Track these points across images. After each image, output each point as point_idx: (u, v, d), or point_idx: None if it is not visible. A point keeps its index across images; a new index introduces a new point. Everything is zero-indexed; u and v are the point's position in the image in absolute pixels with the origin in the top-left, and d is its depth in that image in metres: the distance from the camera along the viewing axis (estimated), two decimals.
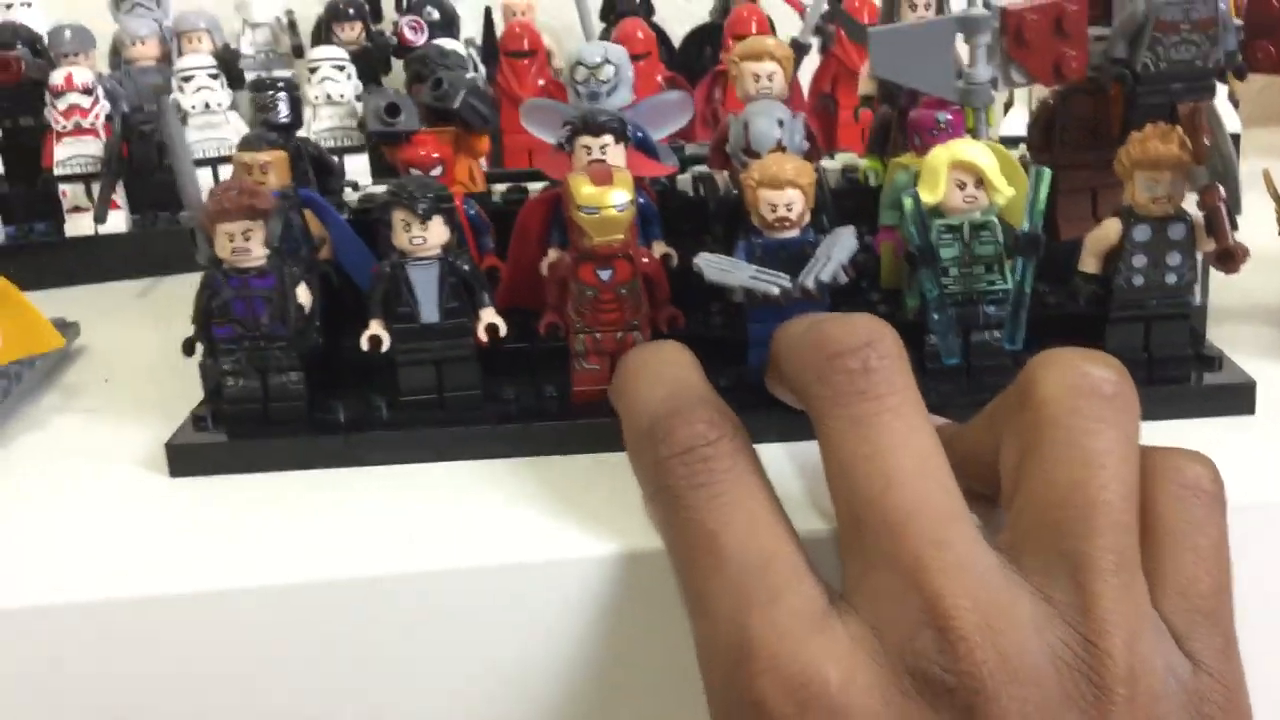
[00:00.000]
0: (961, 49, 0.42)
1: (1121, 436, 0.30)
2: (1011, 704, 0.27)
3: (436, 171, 0.45)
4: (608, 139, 0.43)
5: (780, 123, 0.43)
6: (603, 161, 0.42)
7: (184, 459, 0.41)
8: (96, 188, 0.64)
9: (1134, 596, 0.29)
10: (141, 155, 0.66)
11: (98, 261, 0.64)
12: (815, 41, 0.66)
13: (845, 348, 0.31)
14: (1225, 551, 0.31)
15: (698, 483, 0.31)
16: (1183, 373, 0.42)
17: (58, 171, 0.64)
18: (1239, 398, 0.41)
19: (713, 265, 0.39)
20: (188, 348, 0.42)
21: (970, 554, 0.28)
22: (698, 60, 0.75)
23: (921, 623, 0.28)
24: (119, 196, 0.64)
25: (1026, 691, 0.27)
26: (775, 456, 0.39)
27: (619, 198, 0.39)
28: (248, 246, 0.40)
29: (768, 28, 0.70)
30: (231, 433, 0.42)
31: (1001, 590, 0.28)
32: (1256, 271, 0.42)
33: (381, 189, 0.42)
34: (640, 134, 0.46)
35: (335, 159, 0.53)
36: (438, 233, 0.40)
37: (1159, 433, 0.39)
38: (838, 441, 0.31)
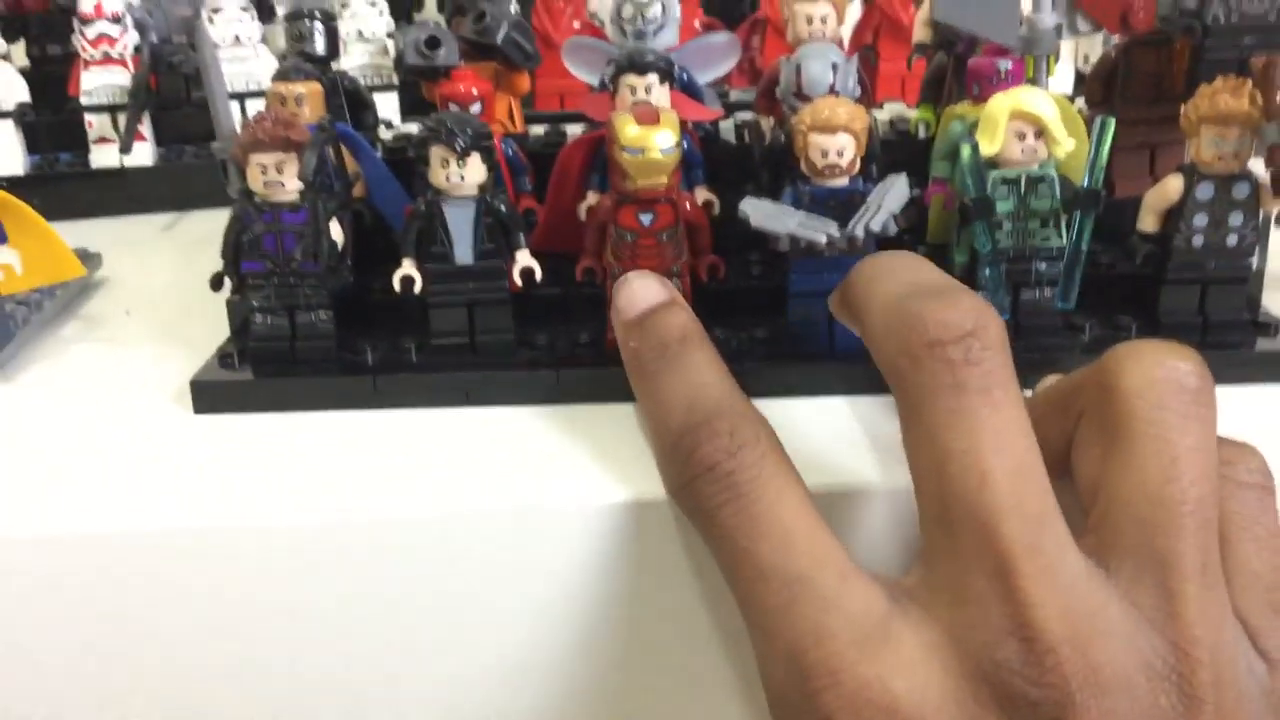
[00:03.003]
0: None
1: (1206, 431, 0.29)
2: (1102, 717, 0.26)
3: (476, 108, 0.43)
4: (653, 79, 0.41)
5: (834, 66, 0.41)
6: (648, 102, 0.41)
7: (208, 395, 0.40)
8: (123, 118, 0.63)
9: (1218, 599, 0.28)
10: (169, 87, 0.65)
11: (123, 193, 0.63)
12: None
13: (948, 336, 0.28)
14: None
15: (724, 500, 0.30)
16: (1238, 338, 0.41)
17: (84, 101, 0.63)
18: None
19: (759, 210, 0.38)
20: (216, 282, 0.41)
21: (1061, 560, 0.27)
22: (736, 6, 0.74)
23: (1006, 631, 0.26)
24: (145, 128, 0.63)
25: (1116, 703, 0.26)
26: (814, 411, 0.38)
27: (665, 139, 0.38)
28: (280, 180, 0.39)
29: None
30: (257, 371, 0.41)
31: (1090, 598, 0.27)
32: None
33: (415, 128, 0.40)
34: (686, 76, 0.44)
35: (369, 96, 0.52)
36: (476, 171, 0.39)
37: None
38: (931, 434, 0.28)
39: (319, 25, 0.46)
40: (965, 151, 0.38)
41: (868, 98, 0.44)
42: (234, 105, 0.61)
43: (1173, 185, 0.40)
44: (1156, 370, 0.29)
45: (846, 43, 0.63)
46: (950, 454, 0.28)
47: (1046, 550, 0.27)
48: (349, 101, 0.47)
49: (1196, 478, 0.28)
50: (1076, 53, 0.65)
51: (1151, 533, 0.28)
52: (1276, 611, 0.29)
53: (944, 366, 0.28)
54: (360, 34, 0.64)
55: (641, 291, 0.36)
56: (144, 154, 0.64)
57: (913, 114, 0.50)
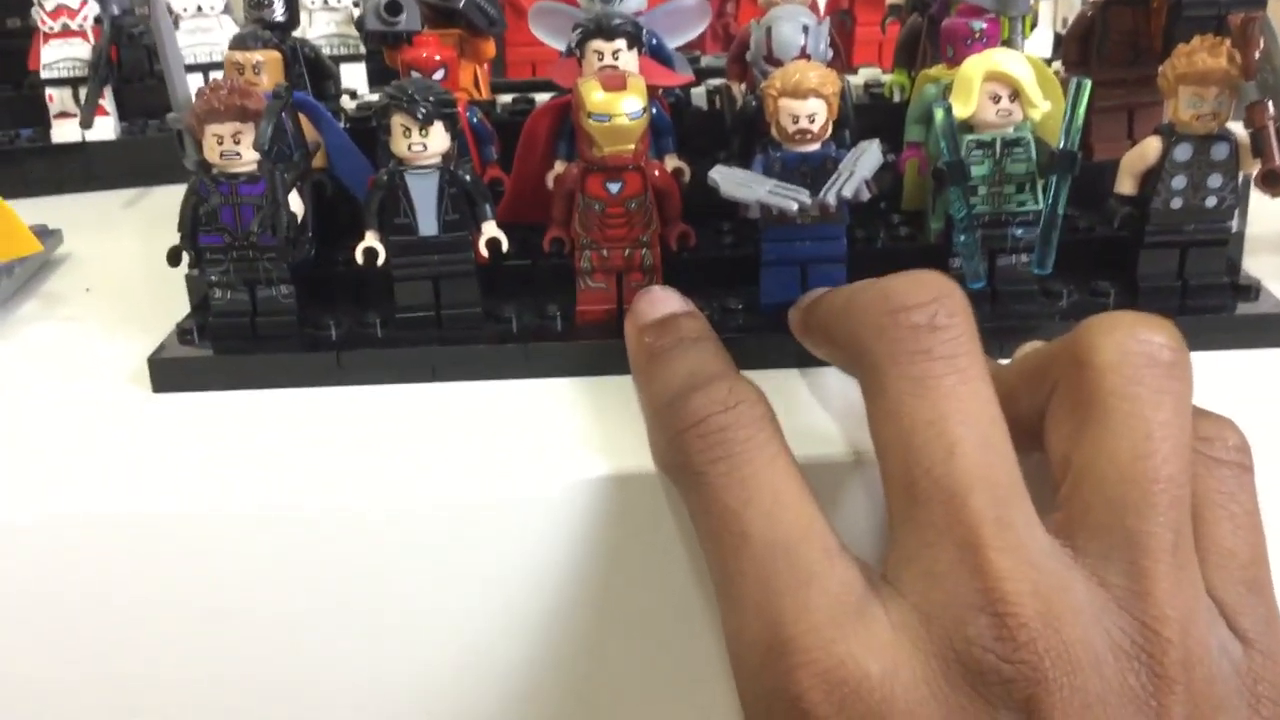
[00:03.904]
0: None
1: (1181, 407, 0.28)
2: (1074, 695, 0.25)
3: (439, 75, 0.42)
4: (620, 44, 0.40)
5: (805, 29, 0.41)
6: (615, 67, 0.40)
7: (168, 373, 0.39)
8: (84, 92, 0.61)
9: (1189, 577, 0.27)
10: (131, 60, 0.64)
11: (84, 169, 0.62)
12: None
13: (912, 301, 0.28)
14: (1258, 519, 0.30)
15: (716, 456, 0.29)
16: (1218, 302, 0.40)
17: (44, 75, 0.62)
18: (1276, 329, 0.39)
19: (729, 178, 0.37)
20: (173, 257, 0.40)
21: (1030, 534, 0.27)
22: None
23: (977, 607, 0.26)
24: (107, 102, 0.62)
25: (1088, 681, 0.25)
26: (789, 382, 0.37)
27: (632, 105, 0.37)
28: (237, 150, 0.38)
29: None
30: (218, 347, 0.40)
31: (1058, 574, 0.26)
32: None
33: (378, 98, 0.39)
34: (655, 40, 0.43)
35: (332, 64, 0.51)
36: (438, 140, 0.38)
37: (1193, 365, 0.37)
38: (896, 402, 0.28)
39: None
40: (939, 115, 0.38)
41: (842, 62, 0.43)
42: (197, 77, 0.60)
43: (1151, 147, 0.39)
44: (1130, 343, 0.28)
45: (822, 5, 0.63)
46: (916, 424, 0.28)
47: (1015, 525, 0.26)
48: (310, 70, 0.46)
49: (1169, 454, 0.27)
50: (1055, 15, 0.64)
51: (1122, 511, 0.27)
52: (1252, 590, 0.28)
53: (909, 332, 0.28)
54: (326, 2, 0.63)
55: (664, 298, 0.37)
56: (106, 128, 0.63)
57: (887, 78, 0.49)
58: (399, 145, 0.38)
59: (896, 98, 0.48)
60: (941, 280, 0.29)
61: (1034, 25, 0.65)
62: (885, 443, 0.29)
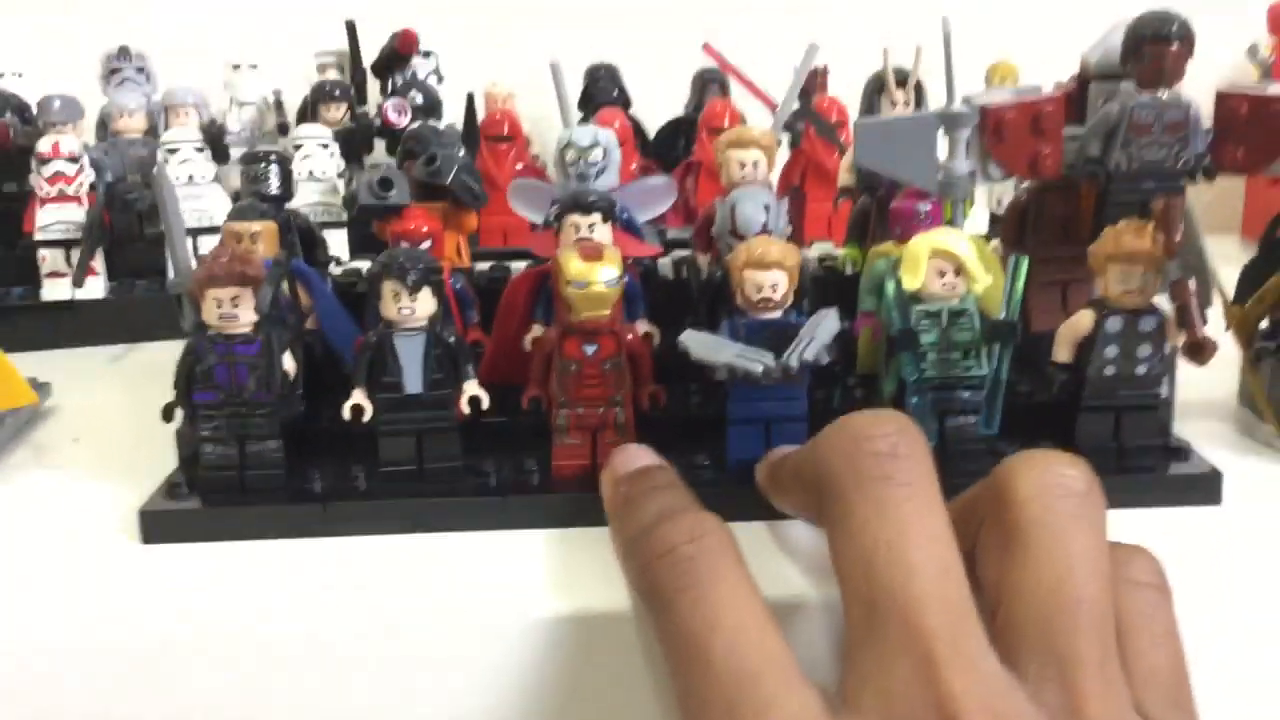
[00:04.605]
0: (942, 144, 0.43)
1: (1097, 532, 0.31)
2: None
3: (426, 245, 0.45)
4: (596, 218, 0.43)
5: (766, 207, 0.44)
6: (591, 239, 0.43)
7: (157, 525, 0.41)
8: (76, 253, 0.64)
9: (1119, 693, 0.29)
10: (123, 224, 0.66)
11: (73, 326, 0.64)
12: (785, 137, 0.68)
13: (876, 432, 0.31)
14: (1178, 638, 0.32)
15: (683, 585, 0.31)
16: (1152, 462, 0.43)
17: (39, 236, 0.64)
18: (1206, 488, 0.42)
19: (698, 342, 0.40)
20: (167, 413, 0.42)
21: (981, 654, 0.28)
22: (671, 151, 0.77)
23: None
24: (98, 263, 0.64)
25: None
26: (754, 533, 0.39)
27: (608, 274, 0.40)
28: (236, 313, 0.40)
29: (741, 122, 0.71)
30: (207, 500, 0.41)
31: (1007, 694, 0.28)
32: (1210, 368, 0.42)
33: (362, 264, 0.42)
34: (625, 215, 0.46)
35: (321, 233, 0.53)
36: (426, 304, 0.41)
37: (1128, 521, 0.39)
38: (859, 525, 0.30)
39: (274, 167, 0.47)
40: (890, 287, 0.41)
41: (797, 236, 0.46)
42: (187, 240, 0.63)
43: (1084, 319, 0.42)
44: (1046, 476, 0.31)
45: (775, 185, 0.67)
46: (878, 545, 0.29)
47: (968, 645, 0.28)
48: (301, 238, 0.48)
49: (1089, 576, 0.30)
50: (990, 196, 0.68)
51: (1052, 632, 0.29)
52: (1175, 706, 0.30)
53: (872, 460, 0.31)
54: (311, 174, 0.66)
55: (638, 454, 0.40)
56: (96, 287, 0.65)
57: (839, 252, 0.52)
58: (389, 309, 0.41)
59: (849, 270, 0.51)
60: (901, 416, 0.32)
61: (971, 205, 0.69)
62: (848, 563, 0.30)
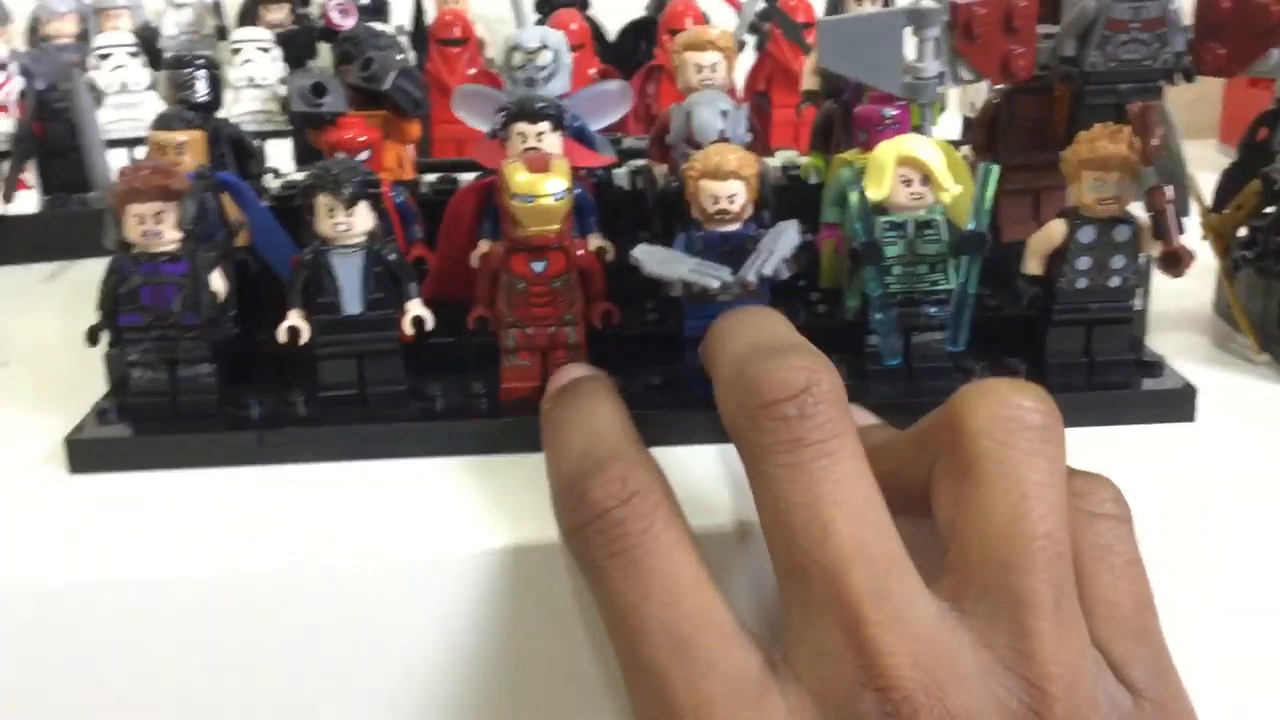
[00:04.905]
0: (909, 44, 0.41)
1: (1054, 467, 0.29)
2: None
3: (364, 156, 0.43)
4: (544, 126, 0.41)
5: (724, 113, 0.42)
6: (539, 149, 0.40)
7: (85, 454, 0.39)
8: (6, 166, 0.61)
9: (1074, 631, 0.28)
10: (56, 135, 0.63)
11: (4, 242, 0.61)
12: (750, 40, 0.65)
13: (781, 395, 0.29)
14: (1141, 569, 0.31)
15: (614, 550, 0.30)
16: (1124, 378, 0.42)
17: None
18: (1180, 404, 0.41)
19: (652, 257, 0.38)
20: (91, 336, 0.40)
21: (909, 605, 0.27)
22: (632, 54, 0.74)
23: (861, 682, 0.27)
24: (30, 176, 0.62)
25: None
26: (707, 458, 0.37)
27: (555, 186, 0.38)
28: (159, 229, 0.38)
29: (704, 23, 0.68)
30: (137, 427, 0.40)
31: (942, 643, 0.27)
32: (1184, 278, 0.41)
33: (303, 176, 0.40)
34: (578, 123, 0.44)
35: (256, 143, 0.51)
36: (363, 219, 0.38)
37: (1099, 439, 0.39)
38: (774, 489, 0.29)
39: (202, 73, 0.45)
40: (854, 197, 0.39)
41: (760, 144, 0.44)
42: (122, 152, 0.60)
43: (1056, 229, 0.41)
44: (1000, 409, 0.29)
45: (740, 90, 0.64)
46: (792, 508, 0.28)
47: (894, 597, 0.27)
48: (233, 149, 0.46)
49: (1045, 512, 0.28)
50: (964, 100, 0.66)
51: (1004, 571, 0.28)
52: (1138, 641, 0.29)
53: (780, 424, 0.29)
54: (252, 80, 0.63)
55: (571, 370, 0.39)
56: (27, 202, 0.62)
57: (804, 160, 0.50)
58: (323, 225, 0.38)
59: (813, 180, 0.49)
60: (811, 366, 0.30)
61: (943, 110, 0.67)
62: (766, 526, 0.29)
